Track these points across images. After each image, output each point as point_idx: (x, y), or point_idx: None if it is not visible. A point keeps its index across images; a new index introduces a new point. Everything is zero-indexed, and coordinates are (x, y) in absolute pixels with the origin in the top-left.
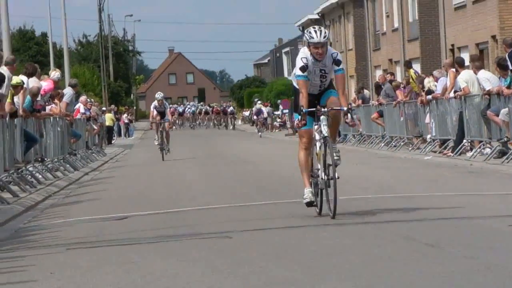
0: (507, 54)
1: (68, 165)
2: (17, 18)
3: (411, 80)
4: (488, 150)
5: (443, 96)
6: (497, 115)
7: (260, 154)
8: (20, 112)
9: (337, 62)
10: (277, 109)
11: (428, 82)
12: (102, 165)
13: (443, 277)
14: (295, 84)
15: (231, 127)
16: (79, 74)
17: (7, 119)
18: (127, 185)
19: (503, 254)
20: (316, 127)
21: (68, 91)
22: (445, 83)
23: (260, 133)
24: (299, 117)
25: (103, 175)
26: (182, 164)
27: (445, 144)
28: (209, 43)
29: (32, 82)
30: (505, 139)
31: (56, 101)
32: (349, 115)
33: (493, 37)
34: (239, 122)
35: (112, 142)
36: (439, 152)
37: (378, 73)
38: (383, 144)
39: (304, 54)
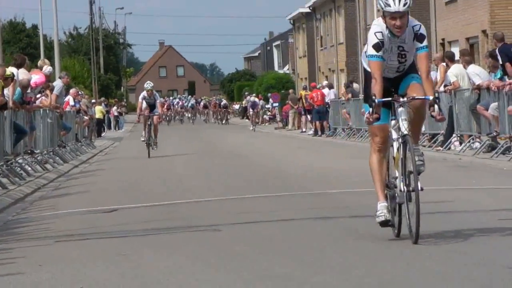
0: (497, 48)
1: (57, 158)
2: (8, 10)
3: None
4: (477, 145)
5: None
6: (487, 110)
7: (259, 148)
8: (10, 104)
9: (419, 38)
10: (267, 102)
11: None
12: (91, 157)
13: (435, 271)
14: (365, 65)
15: (224, 121)
16: (69, 66)
17: None
18: (117, 178)
19: (492, 248)
20: (393, 122)
21: (57, 83)
22: (435, 77)
23: (253, 127)
24: (370, 109)
25: (93, 167)
26: (173, 157)
27: (435, 138)
28: (200, 36)
29: (22, 74)
30: (494, 133)
31: (47, 92)
32: (435, 106)
33: (484, 31)
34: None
35: (102, 135)
36: (429, 147)
37: None
38: None
39: (379, 27)
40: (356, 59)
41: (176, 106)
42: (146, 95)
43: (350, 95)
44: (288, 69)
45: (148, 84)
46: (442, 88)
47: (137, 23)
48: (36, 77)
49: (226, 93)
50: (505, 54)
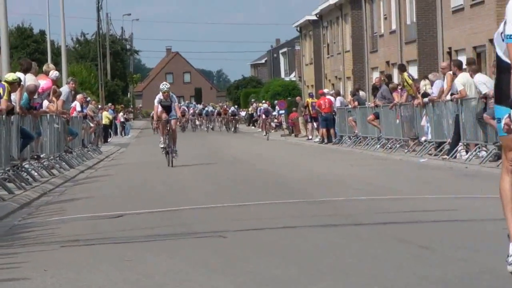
0: None
1: (63, 163)
2: (16, 16)
3: (405, 84)
4: (483, 153)
5: (440, 99)
6: (493, 119)
7: (271, 156)
8: (17, 109)
9: None
10: (274, 109)
11: (424, 85)
12: (97, 163)
13: (437, 279)
14: (499, 52)
15: (233, 129)
16: (76, 72)
17: (3, 116)
18: (123, 184)
19: (496, 257)
20: None
21: (64, 89)
22: (442, 85)
23: (267, 135)
24: (510, 112)
25: (99, 173)
26: (188, 166)
27: (441, 147)
28: (207, 43)
29: (29, 80)
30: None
31: (53, 98)
32: None
33: (491, 40)
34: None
35: (108, 140)
36: (435, 155)
37: (375, 75)
38: (378, 146)
39: None
40: (363, 67)
41: (188, 113)
42: (162, 97)
43: (356, 103)
44: (294, 76)
45: (164, 85)
46: (448, 97)
47: (144, 29)
48: (43, 83)
49: (232, 100)
50: None
